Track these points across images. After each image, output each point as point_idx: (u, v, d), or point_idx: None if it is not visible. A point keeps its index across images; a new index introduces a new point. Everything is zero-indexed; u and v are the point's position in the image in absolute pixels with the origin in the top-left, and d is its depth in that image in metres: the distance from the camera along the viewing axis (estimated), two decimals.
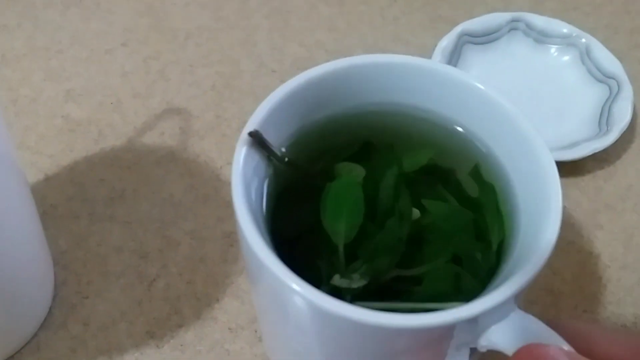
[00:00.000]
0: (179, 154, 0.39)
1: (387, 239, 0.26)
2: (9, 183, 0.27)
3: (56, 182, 0.38)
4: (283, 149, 0.27)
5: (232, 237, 0.36)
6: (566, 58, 0.43)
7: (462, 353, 0.24)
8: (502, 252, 0.25)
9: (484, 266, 0.25)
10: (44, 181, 0.38)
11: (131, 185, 0.38)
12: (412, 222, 0.27)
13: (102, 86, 0.43)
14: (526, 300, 0.34)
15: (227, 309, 0.34)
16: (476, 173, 0.28)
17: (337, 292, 0.24)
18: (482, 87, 0.27)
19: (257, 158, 0.26)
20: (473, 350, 0.23)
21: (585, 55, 0.43)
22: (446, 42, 0.42)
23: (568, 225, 0.38)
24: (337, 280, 0.24)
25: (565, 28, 0.43)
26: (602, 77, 0.42)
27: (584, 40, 0.43)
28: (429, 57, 0.43)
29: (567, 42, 0.43)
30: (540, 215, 0.24)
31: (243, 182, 0.24)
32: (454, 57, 0.42)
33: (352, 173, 0.27)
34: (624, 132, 0.39)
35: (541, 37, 0.44)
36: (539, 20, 0.44)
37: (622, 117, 0.39)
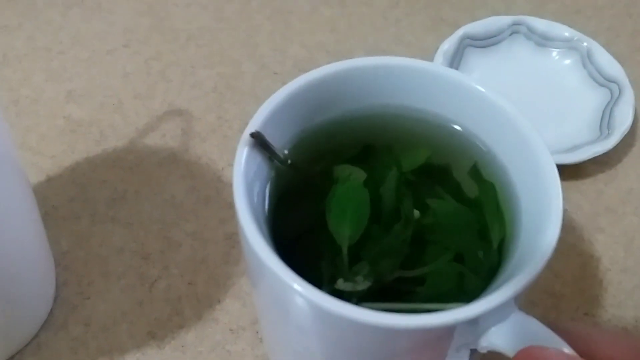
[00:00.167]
0: (181, 155, 0.39)
1: (392, 241, 0.26)
2: (11, 184, 0.27)
3: (57, 183, 0.38)
4: (285, 151, 0.27)
5: (233, 239, 0.36)
6: (567, 62, 0.43)
7: (462, 354, 0.24)
8: (504, 252, 0.26)
9: (486, 265, 0.25)
10: (46, 182, 0.38)
11: (133, 187, 0.38)
12: (415, 222, 0.27)
13: (104, 87, 0.43)
14: (527, 302, 0.34)
15: (229, 310, 0.34)
16: (475, 172, 0.28)
17: (338, 293, 0.24)
18: (482, 89, 0.27)
19: (258, 159, 0.26)
20: (473, 351, 0.24)
21: (587, 59, 0.43)
22: (448, 45, 0.42)
23: (569, 228, 0.38)
24: (341, 284, 0.24)
25: (566, 32, 0.43)
26: (604, 80, 0.42)
27: (585, 44, 0.43)
28: (431, 59, 0.43)
29: (568, 45, 0.43)
30: (541, 216, 0.24)
31: (245, 182, 0.24)
32: (455, 60, 0.42)
33: (352, 176, 0.27)
34: (625, 135, 0.39)
35: (542, 41, 0.44)
36: (540, 24, 0.44)
37: (623, 120, 0.40)
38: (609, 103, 0.41)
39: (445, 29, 0.46)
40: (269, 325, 0.28)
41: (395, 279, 0.25)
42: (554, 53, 0.44)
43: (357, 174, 0.27)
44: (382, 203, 0.27)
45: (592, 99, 0.42)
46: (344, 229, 0.26)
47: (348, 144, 0.29)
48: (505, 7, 0.48)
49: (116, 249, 0.36)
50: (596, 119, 0.41)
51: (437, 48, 0.43)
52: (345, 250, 0.25)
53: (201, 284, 0.35)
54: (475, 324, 0.22)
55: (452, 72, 0.28)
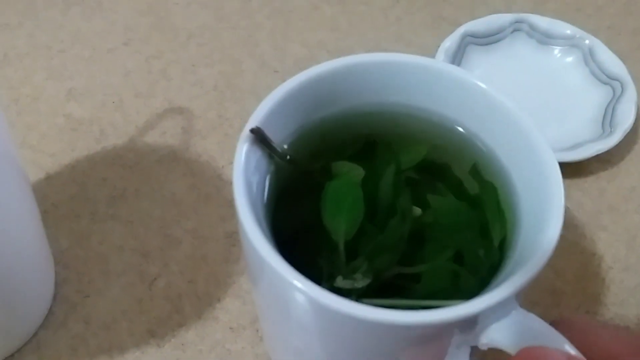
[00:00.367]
0: (181, 153, 0.39)
1: (388, 237, 0.26)
2: (11, 182, 0.27)
3: (58, 181, 0.38)
4: (285, 147, 0.27)
5: (233, 237, 0.36)
6: (569, 59, 0.43)
7: (462, 351, 0.24)
8: (505, 250, 0.25)
9: (486, 263, 0.25)
10: (45, 180, 0.38)
11: (133, 185, 0.38)
12: (414, 220, 0.27)
13: (104, 85, 0.42)
14: (528, 300, 0.34)
15: (229, 308, 0.34)
16: (475, 171, 0.27)
17: (337, 289, 0.24)
18: (483, 86, 0.27)
19: (258, 155, 0.25)
20: (474, 348, 0.23)
21: (589, 57, 0.43)
22: (449, 42, 0.42)
23: (571, 226, 0.37)
24: (340, 282, 0.24)
25: (568, 29, 0.43)
26: (606, 78, 0.42)
27: (587, 41, 0.43)
28: (432, 57, 0.42)
29: (570, 43, 0.43)
30: (542, 213, 0.24)
31: (244, 178, 0.24)
32: (457, 58, 0.42)
33: (351, 173, 0.27)
34: (628, 133, 0.39)
35: (544, 39, 0.44)
36: (542, 22, 0.44)
37: (626, 118, 0.39)
38: (611, 101, 0.41)
39: (446, 27, 0.46)
40: (269, 322, 0.28)
41: (393, 275, 0.25)
42: (556, 51, 0.44)
43: (356, 171, 0.27)
44: (379, 199, 0.27)
45: (595, 97, 0.41)
46: (340, 225, 0.26)
47: (348, 141, 0.29)
48: (506, 5, 0.48)
49: (116, 246, 0.35)
50: (598, 117, 0.40)
51: (438, 46, 0.43)
52: (341, 246, 0.25)
53: (201, 282, 0.34)
54: (476, 321, 0.22)
55: (454, 69, 0.28)
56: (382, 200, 0.26)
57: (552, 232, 0.23)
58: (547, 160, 0.25)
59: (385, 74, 0.28)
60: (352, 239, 0.25)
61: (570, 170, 0.39)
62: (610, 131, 0.39)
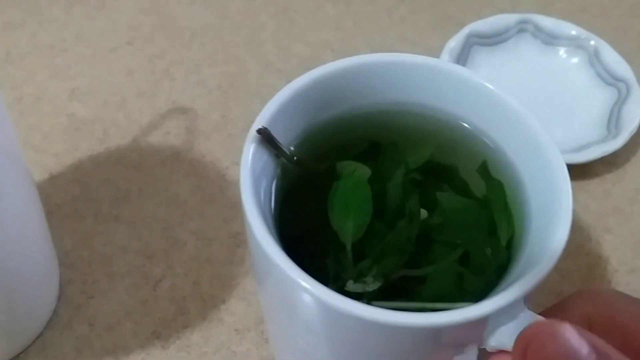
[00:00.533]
0: (185, 154, 0.39)
1: (396, 239, 0.25)
2: (16, 181, 0.27)
3: (61, 181, 0.38)
4: (292, 148, 0.27)
5: (238, 238, 0.36)
6: (575, 60, 0.43)
7: (470, 353, 0.23)
8: (512, 250, 0.25)
9: (493, 262, 0.25)
10: (49, 180, 0.38)
11: (136, 185, 0.38)
12: (421, 222, 0.26)
13: (107, 85, 0.42)
14: (534, 302, 0.34)
15: (234, 310, 0.33)
16: (484, 169, 0.27)
17: (344, 290, 0.24)
18: (491, 87, 0.27)
19: (265, 156, 0.25)
20: (481, 350, 0.23)
21: (594, 58, 0.42)
22: (454, 43, 0.42)
23: (576, 228, 0.37)
24: (351, 285, 0.23)
25: (573, 30, 0.43)
26: (611, 80, 0.41)
27: (592, 42, 0.43)
28: (436, 57, 0.42)
29: (575, 44, 0.43)
30: (550, 215, 0.24)
31: (252, 179, 0.24)
32: (461, 58, 0.42)
33: (356, 172, 0.27)
34: (633, 135, 0.39)
35: (549, 39, 0.44)
36: (547, 22, 0.44)
37: (631, 120, 0.39)
38: (616, 102, 0.41)
39: (451, 27, 0.45)
40: (276, 324, 0.28)
41: (399, 277, 0.25)
42: (561, 51, 0.43)
43: (361, 171, 0.27)
44: (388, 200, 0.27)
45: (600, 98, 0.41)
46: (347, 226, 0.25)
47: (354, 141, 0.28)
48: (511, 4, 0.48)
49: (120, 248, 0.35)
50: (604, 119, 0.40)
51: (443, 46, 0.42)
52: (349, 247, 0.25)
53: (206, 283, 0.34)
54: (485, 323, 0.22)
55: (461, 69, 0.28)
56: (391, 202, 0.26)
57: (560, 235, 0.23)
58: (555, 162, 0.25)
59: (393, 74, 0.28)
60: (360, 240, 0.25)
61: (575, 172, 0.39)
62: (616, 133, 0.39)
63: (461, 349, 0.23)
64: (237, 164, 0.39)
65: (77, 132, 0.40)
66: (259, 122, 0.25)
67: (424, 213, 0.27)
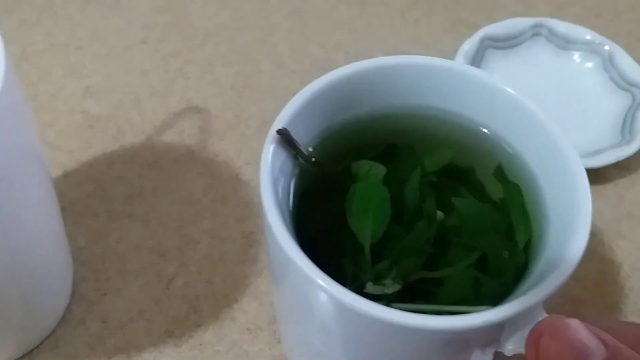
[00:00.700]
0: (198, 153, 0.39)
1: (414, 240, 0.25)
2: (34, 177, 0.27)
3: (75, 178, 0.38)
4: (310, 149, 0.27)
5: (251, 238, 0.36)
6: (589, 65, 0.43)
7: (487, 356, 0.23)
8: (530, 253, 0.25)
9: (511, 265, 0.25)
10: (63, 177, 0.38)
11: (150, 183, 0.38)
12: (438, 223, 0.26)
13: (122, 83, 0.42)
14: (547, 307, 0.34)
15: (246, 309, 0.34)
16: (500, 173, 0.27)
17: (362, 291, 0.24)
18: (511, 91, 0.27)
19: (283, 156, 0.25)
20: (499, 354, 0.23)
21: (608, 63, 0.42)
22: (468, 46, 0.42)
23: (590, 233, 0.37)
24: (370, 287, 0.23)
25: (588, 35, 0.43)
26: (626, 85, 0.41)
27: (607, 47, 0.43)
28: (450, 60, 0.42)
29: (590, 48, 0.43)
30: (569, 219, 0.24)
31: (271, 179, 0.24)
32: (476, 61, 0.42)
33: (371, 171, 0.27)
34: None
35: (564, 44, 0.44)
36: (561, 27, 0.44)
37: None
38: (630, 107, 0.40)
39: (464, 30, 0.45)
40: (291, 324, 0.28)
41: (417, 279, 0.25)
42: (575, 56, 0.43)
43: (376, 169, 0.27)
44: (405, 202, 0.27)
45: (614, 103, 0.41)
46: (366, 227, 0.25)
47: (372, 143, 0.28)
48: (525, 9, 0.48)
49: (133, 245, 0.35)
50: (618, 123, 0.40)
51: (456, 49, 0.42)
52: (367, 249, 0.25)
53: (219, 282, 0.34)
54: (504, 327, 0.22)
55: (478, 72, 0.27)
56: (408, 203, 0.26)
57: (580, 238, 0.23)
58: (574, 167, 0.25)
59: (411, 76, 0.28)
60: (378, 242, 0.25)
61: (589, 176, 0.38)
62: (630, 138, 0.39)
63: (479, 352, 0.23)
64: (250, 163, 0.39)
65: (91, 130, 0.40)
66: (279, 122, 0.25)
67: (440, 215, 0.27)
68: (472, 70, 0.28)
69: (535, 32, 0.44)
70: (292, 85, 0.43)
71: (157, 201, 0.37)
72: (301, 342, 0.28)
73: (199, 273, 0.35)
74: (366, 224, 0.25)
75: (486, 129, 0.28)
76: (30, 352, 0.32)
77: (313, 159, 0.26)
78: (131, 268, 0.35)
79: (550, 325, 0.21)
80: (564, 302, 0.35)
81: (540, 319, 0.22)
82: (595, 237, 0.37)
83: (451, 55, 0.43)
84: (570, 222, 0.24)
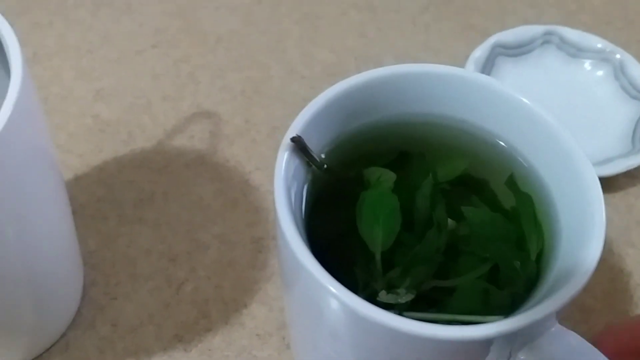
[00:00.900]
0: (209, 157, 0.39)
1: (425, 248, 0.25)
2: (47, 180, 0.27)
3: (85, 182, 0.38)
4: (322, 156, 0.27)
5: (260, 243, 0.36)
6: (600, 73, 0.43)
7: None
8: (542, 264, 0.25)
9: (523, 275, 0.25)
10: (74, 180, 0.38)
11: (160, 188, 0.38)
12: (449, 232, 0.26)
13: (132, 87, 0.43)
14: (558, 317, 0.34)
15: (255, 314, 0.34)
16: (512, 183, 0.27)
17: (373, 298, 0.24)
18: (523, 99, 0.27)
19: (296, 163, 0.25)
20: None
21: (619, 71, 0.42)
22: (479, 52, 0.42)
23: None
24: (383, 296, 0.23)
25: (599, 43, 0.43)
26: (636, 93, 0.41)
27: (618, 55, 0.43)
28: (460, 66, 0.42)
29: (600, 57, 0.43)
30: (583, 230, 0.24)
31: (285, 186, 0.24)
32: (486, 68, 0.42)
33: (382, 178, 0.27)
34: None
35: (575, 51, 0.43)
36: (572, 35, 0.44)
37: None
38: None
39: (475, 36, 0.45)
40: (301, 330, 0.28)
41: (428, 288, 0.25)
42: (586, 64, 0.43)
43: (387, 176, 0.27)
44: (416, 210, 0.27)
45: (624, 112, 0.41)
46: (377, 235, 0.25)
47: (383, 150, 0.28)
48: (536, 16, 0.48)
49: (143, 250, 0.35)
50: (628, 132, 0.40)
51: (466, 55, 0.42)
52: (378, 256, 0.25)
53: (228, 287, 0.34)
54: (516, 337, 0.22)
55: (491, 82, 0.27)
56: (419, 212, 0.26)
57: (594, 249, 0.23)
58: (588, 178, 0.25)
59: (423, 84, 0.28)
60: (389, 250, 0.25)
61: None
62: None
63: None
64: (260, 168, 0.39)
65: (102, 134, 0.40)
66: (293, 130, 0.25)
67: (451, 223, 0.27)
68: (484, 78, 0.28)
69: (546, 39, 0.44)
70: (303, 91, 0.43)
71: (167, 206, 0.37)
72: (310, 349, 0.28)
73: (209, 278, 0.35)
74: (376, 232, 0.25)
75: (498, 138, 0.28)
76: (41, 355, 0.32)
77: (325, 166, 0.26)
78: (141, 272, 0.35)
79: None
80: (574, 310, 0.34)
81: (552, 329, 0.22)
82: (605, 245, 0.36)
83: (461, 61, 0.43)
84: (583, 233, 0.24)
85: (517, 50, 0.43)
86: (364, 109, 0.27)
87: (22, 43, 0.24)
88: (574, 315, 0.34)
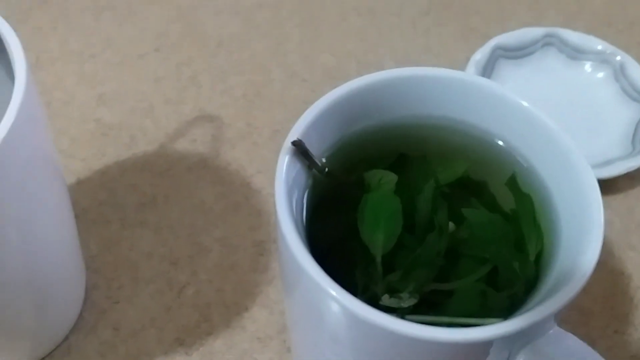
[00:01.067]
0: (211, 161, 0.39)
1: (426, 252, 0.25)
2: (51, 185, 0.27)
3: (88, 186, 0.38)
4: (323, 159, 0.27)
5: (261, 246, 0.36)
6: (600, 75, 0.43)
7: None
8: (541, 265, 0.25)
9: (522, 277, 0.25)
10: (76, 185, 0.38)
11: (162, 191, 0.38)
12: (449, 235, 0.27)
13: (134, 91, 0.43)
14: (557, 319, 0.34)
15: (256, 318, 0.34)
16: (513, 183, 0.27)
17: (374, 302, 0.24)
18: (523, 103, 0.27)
19: (297, 167, 0.25)
20: None
21: (620, 73, 0.42)
22: (480, 55, 0.42)
23: None
24: (386, 300, 0.24)
25: (599, 45, 0.43)
26: (637, 95, 0.41)
27: (618, 57, 0.43)
28: (461, 69, 0.42)
29: (601, 59, 0.43)
30: (581, 232, 0.24)
31: (286, 190, 0.24)
32: (487, 71, 0.42)
33: (383, 180, 0.27)
34: None
35: (575, 54, 0.44)
36: (573, 37, 0.44)
37: None
38: None
39: (475, 39, 0.46)
40: (301, 333, 0.28)
41: (428, 291, 0.25)
42: (587, 66, 0.43)
43: (388, 178, 0.27)
44: (417, 213, 0.27)
45: (625, 114, 0.41)
46: (378, 238, 0.26)
47: (384, 153, 0.28)
48: (536, 18, 0.48)
49: (145, 253, 0.36)
50: (628, 134, 0.40)
51: (467, 58, 0.43)
52: (379, 260, 0.25)
53: (229, 291, 0.35)
54: (515, 339, 0.22)
55: (492, 85, 0.27)
56: (421, 215, 0.26)
57: (592, 251, 0.23)
58: (587, 180, 0.25)
59: (424, 88, 0.28)
60: (389, 253, 0.25)
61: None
62: None
63: None
64: (262, 172, 0.39)
65: (104, 138, 0.40)
66: (294, 134, 0.25)
67: (451, 226, 0.27)
68: (485, 82, 0.28)
69: (546, 42, 0.44)
70: (304, 94, 0.43)
71: (169, 209, 0.37)
72: (311, 352, 0.28)
73: (210, 281, 0.35)
74: (377, 234, 0.25)
75: (500, 140, 0.28)
76: (43, 359, 0.32)
77: (326, 170, 0.27)
78: (143, 276, 0.35)
79: None
80: (573, 313, 0.35)
81: (551, 331, 0.22)
82: (605, 248, 0.37)
83: (462, 65, 0.43)
84: (582, 236, 0.24)
85: (518, 52, 0.43)
86: (364, 113, 0.28)
87: (25, 48, 0.25)
88: (573, 318, 0.34)
